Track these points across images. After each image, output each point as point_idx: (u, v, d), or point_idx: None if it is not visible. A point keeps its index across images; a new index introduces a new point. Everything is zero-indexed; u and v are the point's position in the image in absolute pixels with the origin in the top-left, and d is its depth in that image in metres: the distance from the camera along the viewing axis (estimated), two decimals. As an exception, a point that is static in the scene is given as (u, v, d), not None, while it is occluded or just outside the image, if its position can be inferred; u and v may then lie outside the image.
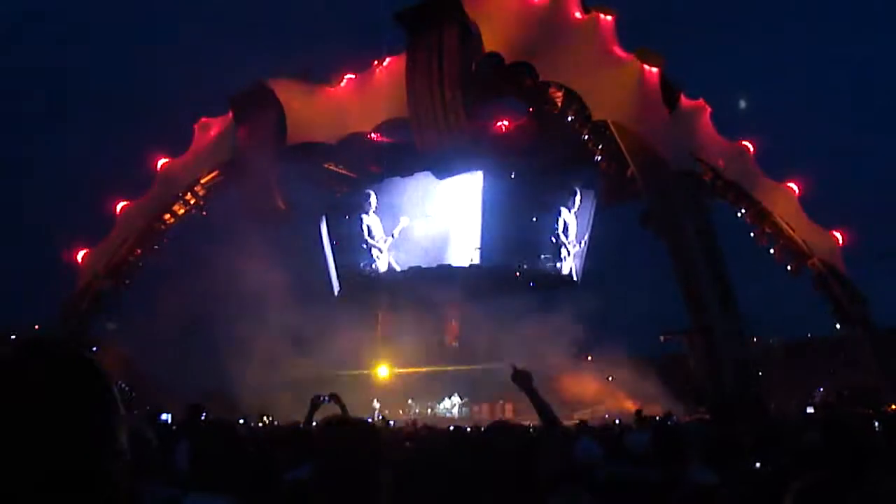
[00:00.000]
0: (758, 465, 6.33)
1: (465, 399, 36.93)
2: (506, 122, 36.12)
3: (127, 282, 35.37)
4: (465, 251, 35.85)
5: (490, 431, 3.57)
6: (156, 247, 36.07)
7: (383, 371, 38.09)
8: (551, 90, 30.70)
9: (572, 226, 37.54)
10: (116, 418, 1.50)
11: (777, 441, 7.89)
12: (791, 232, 33.86)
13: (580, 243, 38.20)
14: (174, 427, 11.20)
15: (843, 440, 3.50)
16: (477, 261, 35.48)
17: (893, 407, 25.74)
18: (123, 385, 32.17)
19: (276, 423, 16.41)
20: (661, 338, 31.71)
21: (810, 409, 26.87)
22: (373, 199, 37.65)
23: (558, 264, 37.44)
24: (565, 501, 3.89)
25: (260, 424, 18.57)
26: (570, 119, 31.04)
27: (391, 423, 24.97)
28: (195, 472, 3.95)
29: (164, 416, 13.52)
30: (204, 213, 36.48)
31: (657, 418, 19.14)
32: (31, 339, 1.51)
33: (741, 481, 5.65)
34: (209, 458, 3.85)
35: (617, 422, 22.48)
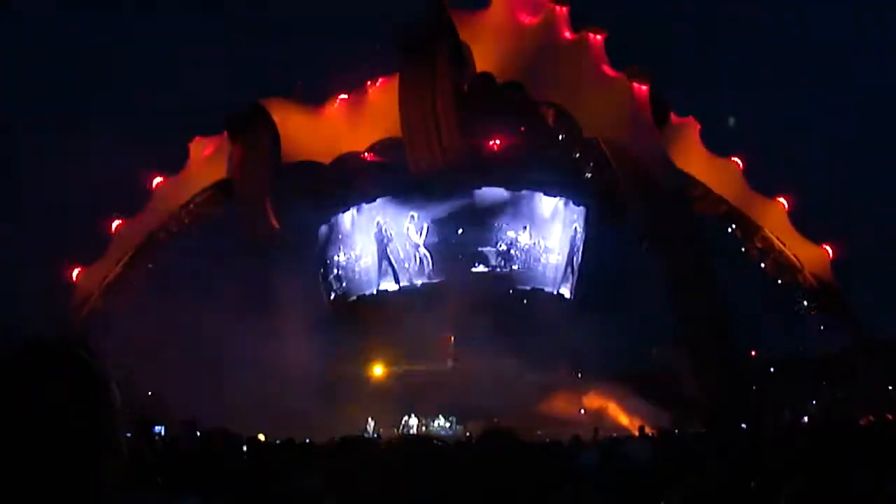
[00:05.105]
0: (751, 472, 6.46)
1: (460, 417, 36.87)
2: (498, 141, 36.33)
3: (121, 299, 35.33)
4: (459, 270, 35.97)
5: (486, 439, 3.67)
6: (150, 265, 36.09)
7: (378, 389, 38.04)
8: (543, 109, 30.92)
9: (565, 243, 37.70)
10: (112, 419, 1.56)
11: (768, 449, 8.06)
12: (782, 246, 34.12)
13: (573, 260, 38.34)
14: (168, 441, 11.28)
15: (832, 446, 3.59)
16: (471, 279, 35.62)
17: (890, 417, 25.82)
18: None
19: (276, 441, 16.42)
20: (653, 351, 31.85)
21: (804, 420, 26.99)
22: (358, 220, 37.86)
23: (551, 281, 37.58)
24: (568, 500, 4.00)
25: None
26: (561, 137, 31.27)
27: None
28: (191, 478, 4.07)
29: (157, 428, 13.55)
30: (198, 231, 36.57)
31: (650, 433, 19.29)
32: (29, 340, 1.57)
33: (734, 486, 5.80)
34: (205, 467, 3.98)
35: (614, 435, 22.58)
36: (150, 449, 4.38)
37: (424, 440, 2.47)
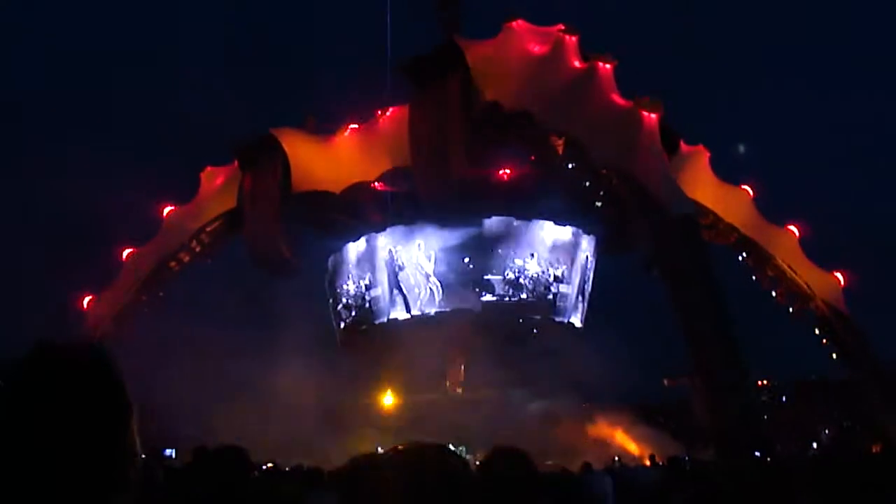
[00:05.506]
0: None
1: (470, 446, 36.74)
2: (508, 170, 36.42)
3: (132, 327, 35.37)
4: (468, 299, 35.92)
5: (493, 457, 3.65)
6: (161, 294, 36.20)
7: (387, 417, 37.95)
8: (552, 138, 30.98)
9: (575, 272, 37.62)
10: (128, 418, 1.61)
11: (779, 477, 8.01)
12: (793, 274, 33.95)
13: (583, 289, 38.25)
14: (179, 468, 11.28)
15: (841, 474, 3.58)
16: (478, 308, 35.58)
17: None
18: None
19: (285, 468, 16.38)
20: (665, 382, 31.63)
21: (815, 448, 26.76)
22: (368, 249, 37.87)
23: (561, 310, 37.47)
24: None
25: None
26: (571, 166, 31.33)
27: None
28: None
29: (167, 452, 13.58)
30: (209, 260, 36.72)
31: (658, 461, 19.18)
32: (44, 343, 1.61)
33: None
34: (218, 484, 3.96)
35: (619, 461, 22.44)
36: (161, 469, 4.38)
37: (438, 449, 2.46)
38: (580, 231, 37.44)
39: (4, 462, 1.48)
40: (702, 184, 33.80)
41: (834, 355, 34.02)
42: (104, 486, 1.54)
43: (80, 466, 1.51)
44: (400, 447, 2.71)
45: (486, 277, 36.11)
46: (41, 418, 1.51)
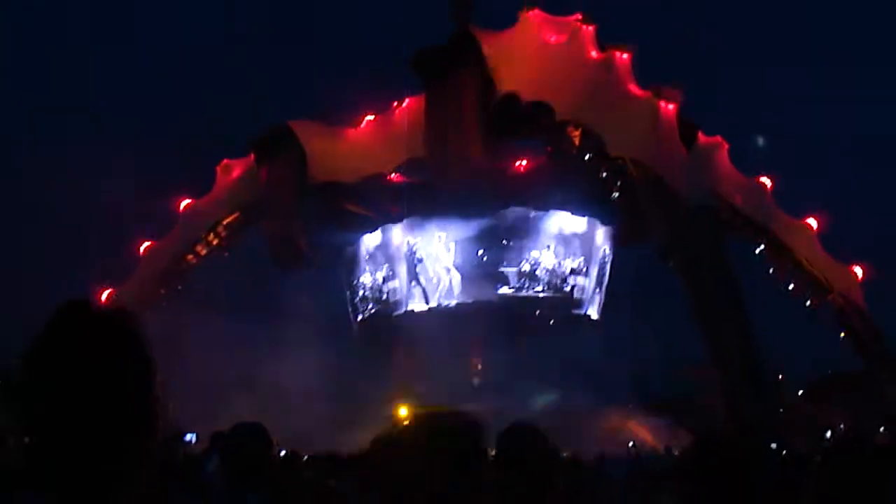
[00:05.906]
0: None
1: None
2: (524, 162, 36.34)
3: (151, 319, 35.54)
4: (485, 291, 35.96)
5: (510, 433, 3.66)
6: (179, 287, 36.38)
7: (403, 410, 38.01)
8: (569, 129, 30.91)
9: (592, 264, 37.58)
10: (150, 374, 1.70)
11: (798, 475, 8.00)
12: (810, 267, 33.68)
13: (601, 281, 38.19)
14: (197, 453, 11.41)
15: (851, 467, 3.59)
16: (496, 300, 35.61)
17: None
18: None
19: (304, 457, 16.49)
20: (681, 373, 31.59)
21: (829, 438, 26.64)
22: (385, 241, 37.91)
23: (578, 302, 37.45)
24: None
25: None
26: (587, 157, 31.24)
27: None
28: (226, 473, 4.11)
29: (188, 437, 13.75)
30: (226, 253, 36.85)
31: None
32: (72, 303, 1.71)
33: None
34: (239, 459, 4.00)
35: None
36: (182, 452, 4.46)
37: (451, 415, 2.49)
38: (597, 222, 37.35)
39: (36, 405, 1.54)
40: (720, 175, 33.61)
41: (851, 349, 33.81)
42: (130, 431, 1.60)
43: (106, 410, 1.57)
44: (410, 420, 2.74)
45: (501, 269, 36.13)
46: (70, 364, 1.58)
